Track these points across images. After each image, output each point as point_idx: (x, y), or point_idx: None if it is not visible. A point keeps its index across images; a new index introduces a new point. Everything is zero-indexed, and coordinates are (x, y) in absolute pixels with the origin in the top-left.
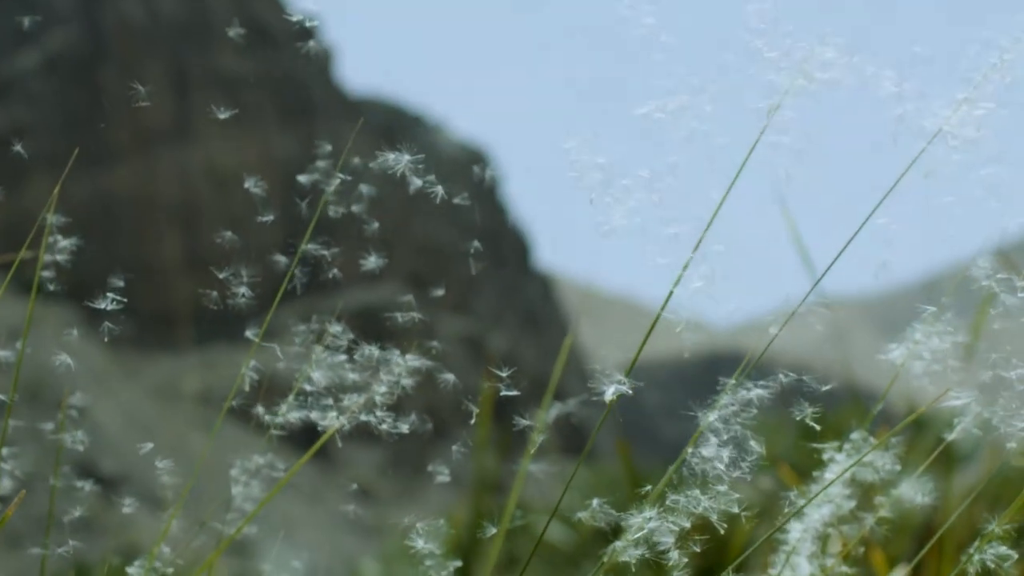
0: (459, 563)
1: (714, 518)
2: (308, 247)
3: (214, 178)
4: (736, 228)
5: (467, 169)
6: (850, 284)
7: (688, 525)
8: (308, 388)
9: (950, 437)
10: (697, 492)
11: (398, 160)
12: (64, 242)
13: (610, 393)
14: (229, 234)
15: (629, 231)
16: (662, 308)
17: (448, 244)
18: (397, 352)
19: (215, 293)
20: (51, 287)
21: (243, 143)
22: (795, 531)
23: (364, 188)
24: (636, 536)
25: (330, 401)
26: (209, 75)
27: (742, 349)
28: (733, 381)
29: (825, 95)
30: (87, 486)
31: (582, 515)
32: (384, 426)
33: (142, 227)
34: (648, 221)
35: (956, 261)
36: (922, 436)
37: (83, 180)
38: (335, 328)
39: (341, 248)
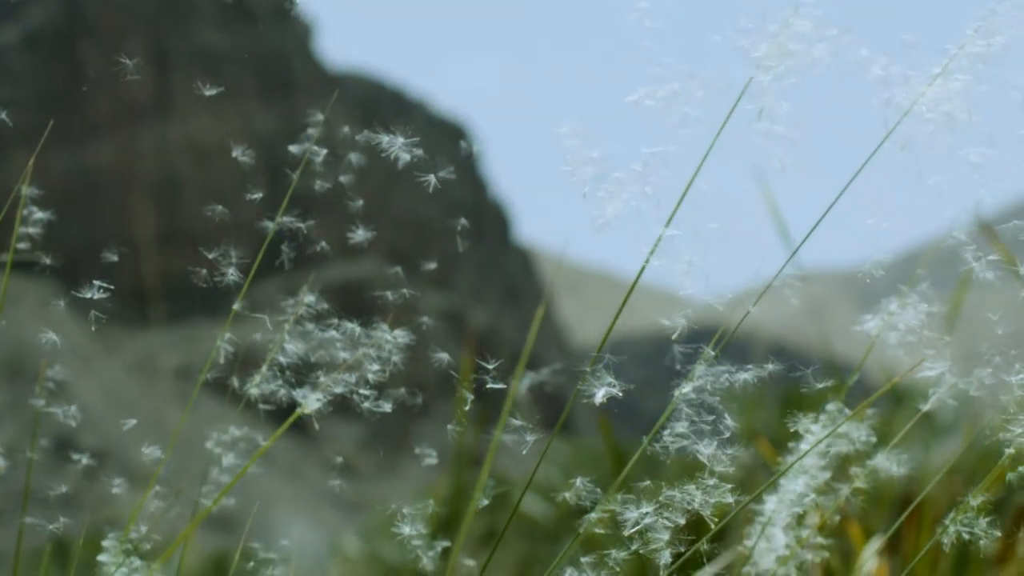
0: (446, 543)
1: (707, 513)
2: (284, 219)
3: (194, 153)
4: (717, 203)
5: (447, 144)
6: (828, 257)
7: (683, 522)
8: (282, 360)
9: (925, 408)
10: (692, 487)
11: (392, 142)
12: (39, 214)
13: (600, 396)
14: (220, 208)
15: (623, 221)
16: (636, 280)
17: (429, 219)
18: (382, 327)
19: (204, 271)
20: (46, 261)
21: (223, 118)
22: (771, 502)
23: (353, 157)
24: (632, 531)
25: (312, 376)
26: (189, 50)
27: (723, 323)
28: (711, 352)
29: (809, 76)
30: (84, 459)
31: (567, 495)
32: (366, 404)
33: (122, 202)
34: (643, 216)
35: (936, 235)
36: (902, 408)
37: (63, 155)
38: (309, 298)
39: (320, 221)
